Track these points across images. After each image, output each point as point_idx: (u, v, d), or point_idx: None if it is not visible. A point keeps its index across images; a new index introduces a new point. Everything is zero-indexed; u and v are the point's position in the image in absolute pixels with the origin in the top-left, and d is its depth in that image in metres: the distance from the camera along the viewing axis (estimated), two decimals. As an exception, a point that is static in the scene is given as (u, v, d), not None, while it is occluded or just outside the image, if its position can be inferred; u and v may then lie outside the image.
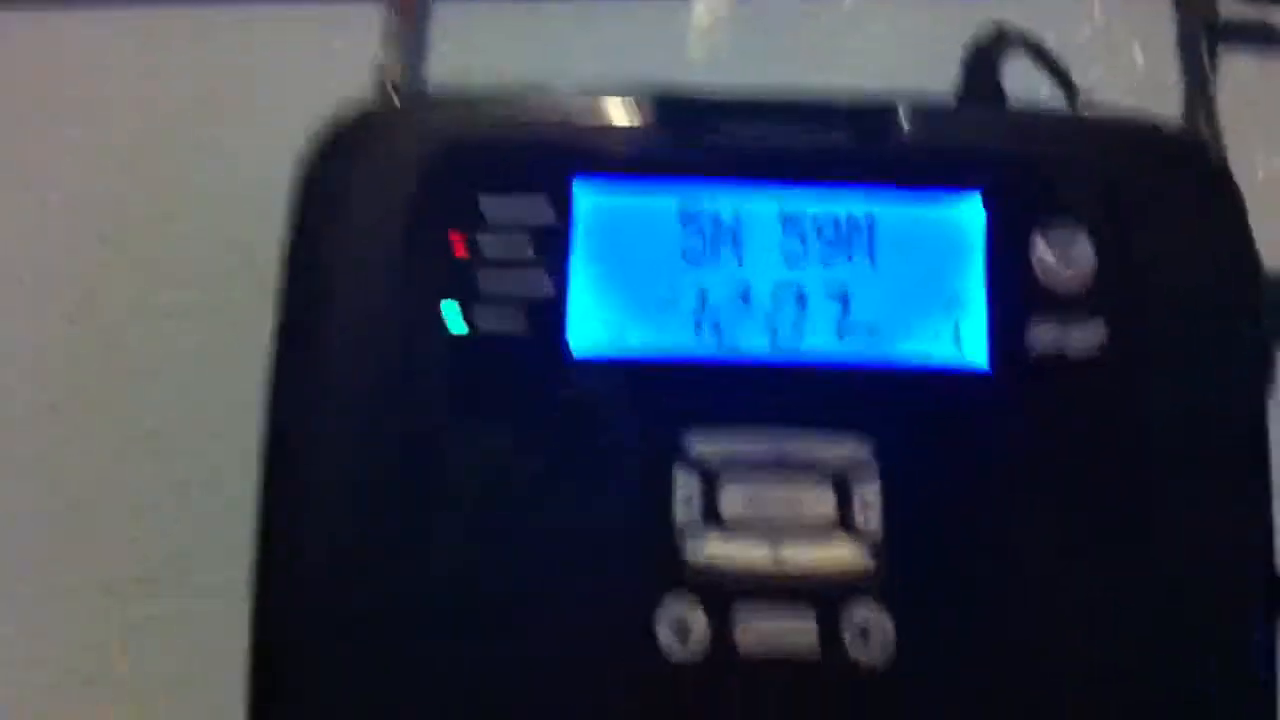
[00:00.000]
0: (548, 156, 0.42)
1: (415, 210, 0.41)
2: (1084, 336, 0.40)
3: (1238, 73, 0.53)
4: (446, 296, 0.41)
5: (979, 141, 0.42)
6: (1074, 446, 0.40)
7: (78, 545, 0.49)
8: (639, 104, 0.42)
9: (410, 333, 0.41)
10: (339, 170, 0.42)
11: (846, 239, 0.41)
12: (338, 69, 0.49)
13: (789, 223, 0.41)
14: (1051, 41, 0.51)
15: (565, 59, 0.53)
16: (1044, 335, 0.40)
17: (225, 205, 0.51)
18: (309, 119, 0.42)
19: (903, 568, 0.39)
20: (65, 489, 0.49)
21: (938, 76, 0.49)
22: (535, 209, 0.41)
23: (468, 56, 0.53)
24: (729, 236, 0.41)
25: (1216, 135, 0.49)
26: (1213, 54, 0.52)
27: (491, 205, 0.41)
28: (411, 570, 0.39)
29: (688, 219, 0.42)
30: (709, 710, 0.38)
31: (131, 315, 0.51)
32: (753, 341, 0.41)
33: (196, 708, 0.47)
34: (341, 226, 0.41)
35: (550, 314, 0.41)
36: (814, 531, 0.39)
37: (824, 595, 0.39)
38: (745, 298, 0.41)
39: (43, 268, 0.51)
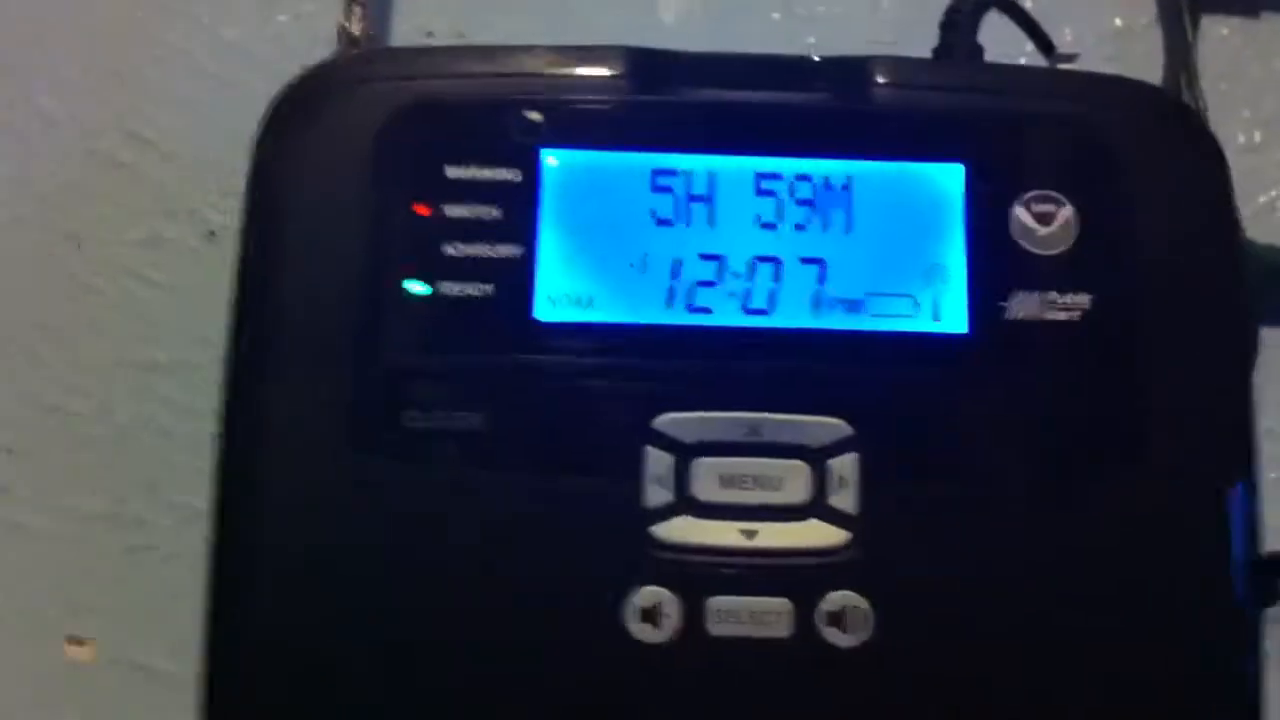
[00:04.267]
0: (514, 116, 0.40)
1: (377, 170, 0.40)
2: (1065, 302, 0.39)
3: (1219, 38, 0.52)
4: (408, 257, 0.39)
5: (959, 105, 0.41)
6: (1056, 415, 0.39)
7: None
8: (607, 63, 0.41)
9: (370, 295, 0.39)
10: (299, 130, 0.40)
11: (823, 203, 0.40)
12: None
13: (764, 187, 0.40)
14: (1030, 2, 0.49)
15: (535, 19, 0.51)
16: (1024, 301, 0.39)
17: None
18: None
19: (879, 547, 0.38)
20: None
21: (915, 38, 0.47)
22: (501, 170, 0.39)
23: (434, 18, 0.51)
24: (701, 200, 0.40)
25: (1197, 101, 0.48)
26: (1194, 19, 0.50)
27: (456, 166, 0.39)
28: (370, 543, 0.38)
29: (658, 182, 0.40)
30: (681, 693, 0.37)
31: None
32: (725, 309, 0.39)
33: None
34: (301, 187, 0.40)
35: (515, 277, 0.39)
36: (789, 511, 0.38)
37: (799, 576, 0.37)
38: (718, 264, 0.40)
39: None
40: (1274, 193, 0.50)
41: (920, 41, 0.47)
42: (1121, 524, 0.38)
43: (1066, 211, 0.40)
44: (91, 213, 0.48)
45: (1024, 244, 0.40)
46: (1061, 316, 0.39)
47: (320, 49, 0.46)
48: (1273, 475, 0.47)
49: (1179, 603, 0.38)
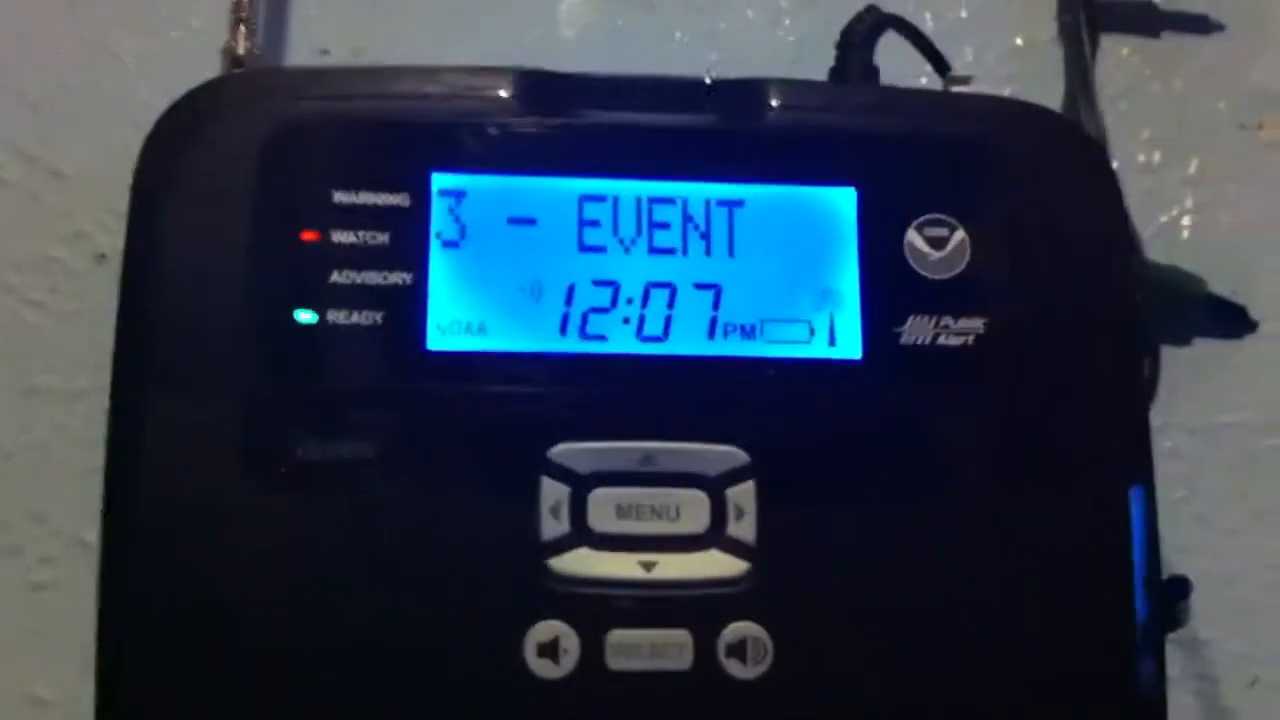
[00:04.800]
0: (404, 140, 0.39)
1: (261, 194, 0.38)
2: (959, 326, 0.39)
3: (1119, 57, 0.52)
4: (296, 284, 0.38)
5: (852, 127, 0.41)
6: (952, 439, 0.39)
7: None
8: (499, 85, 0.40)
9: (256, 322, 0.38)
10: (179, 152, 0.39)
11: (717, 228, 0.39)
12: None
13: (657, 211, 0.39)
14: (928, 23, 0.49)
15: (434, 36, 0.51)
16: (919, 326, 0.39)
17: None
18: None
19: (778, 576, 0.37)
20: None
21: (817, 58, 0.47)
22: (390, 194, 0.39)
23: (330, 36, 0.50)
24: (593, 225, 0.39)
25: (1097, 121, 0.49)
26: (1094, 38, 0.51)
27: (344, 190, 0.38)
28: (258, 576, 0.37)
29: (551, 206, 0.39)
30: (581, 729, 0.36)
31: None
32: (620, 336, 0.39)
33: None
34: (183, 211, 0.38)
35: (406, 304, 0.38)
36: (687, 541, 0.37)
37: (699, 607, 0.37)
38: (612, 290, 0.39)
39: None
40: (1174, 212, 0.51)
41: (822, 61, 0.46)
42: (1021, 547, 0.38)
43: (959, 235, 0.40)
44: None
45: (917, 268, 0.39)
46: (956, 341, 0.39)
47: (216, 67, 0.45)
48: (1178, 495, 0.47)
49: (1082, 625, 0.38)
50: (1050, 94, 0.50)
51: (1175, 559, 0.43)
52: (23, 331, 0.46)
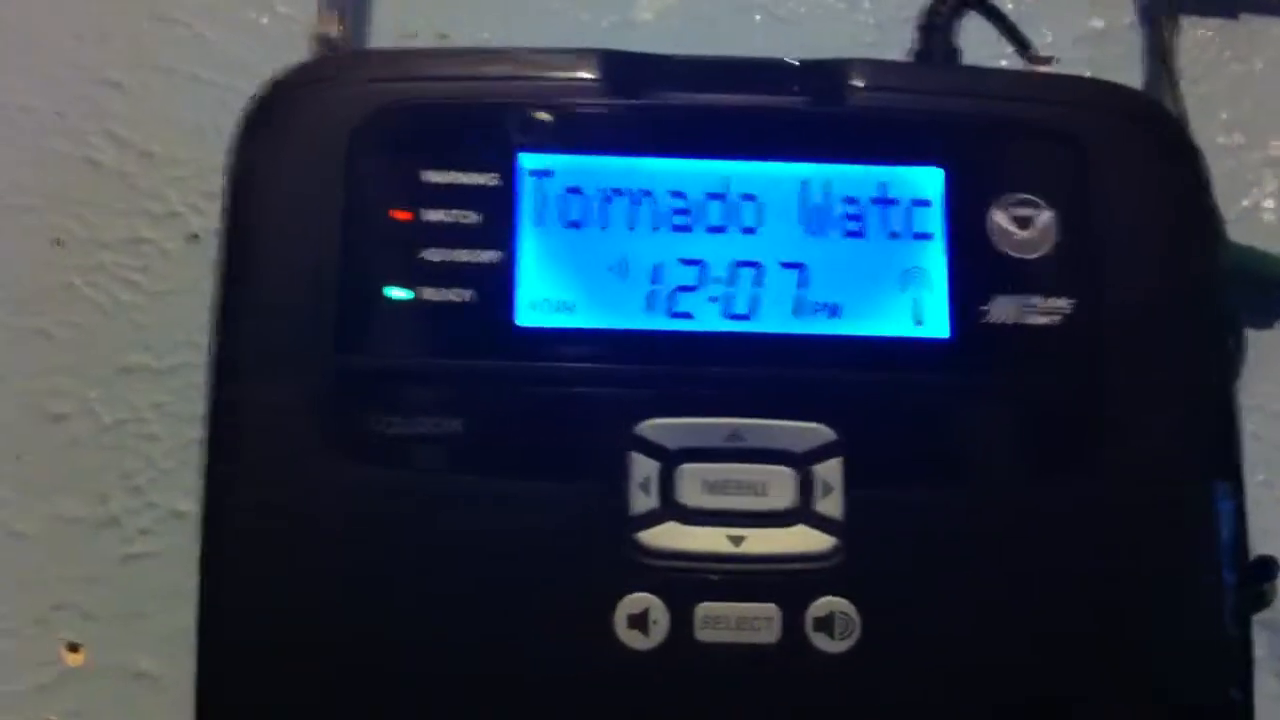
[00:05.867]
0: (493, 121, 0.40)
1: (353, 174, 0.39)
2: (1045, 305, 0.39)
3: (1198, 39, 0.52)
4: (388, 262, 0.39)
5: (937, 108, 0.41)
6: (1038, 418, 0.39)
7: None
8: (585, 66, 0.40)
9: (349, 300, 0.39)
10: (273, 134, 0.40)
11: (803, 207, 0.40)
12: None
13: (744, 191, 0.40)
14: (1008, 6, 0.49)
15: (515, 19, 0.51)
16: (1005, 305, 0.39)
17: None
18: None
19: (865, 552, 0.37)
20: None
21: (896, 40, 0.48)
22: (479, 174, 0.39)
23: (416, 20, 0.51)
24: (680, 204, 0.40)
25: (1177, 103, 0.48)
26: (1173, 20, 0.50)
27: (433, 170, 0.39)
28: (352, 549, 0.37)
29: (638, 185, 0.40)
30: (670, 700, 0.37)
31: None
32: (707, 315, 0.39)
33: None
34: (276, 191, 0.39)
35: (496, 282, 0.39)
36: (775, 517, 0.38)
37: (786, 582, 0.37)
38: (699, 269, 0.39)
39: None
40: (1255, 194, 0.50)
41: (902, 44, 0.47)
42: (1106, 526, 0.38)
43: (1045, 215, 0.40)
44: (74, 215, 0.48)
45: (1003, 247, 0.40)
46: (1042, 320, 0.39)
47: (302, 50, 0.46)
48: (1260, 478, 0.47)
49: (1166, 606, 0.38)
50: (1129, 77, 0.50)
51: (1257, 542, 0.42)
52: (118, 311, 0.47)
